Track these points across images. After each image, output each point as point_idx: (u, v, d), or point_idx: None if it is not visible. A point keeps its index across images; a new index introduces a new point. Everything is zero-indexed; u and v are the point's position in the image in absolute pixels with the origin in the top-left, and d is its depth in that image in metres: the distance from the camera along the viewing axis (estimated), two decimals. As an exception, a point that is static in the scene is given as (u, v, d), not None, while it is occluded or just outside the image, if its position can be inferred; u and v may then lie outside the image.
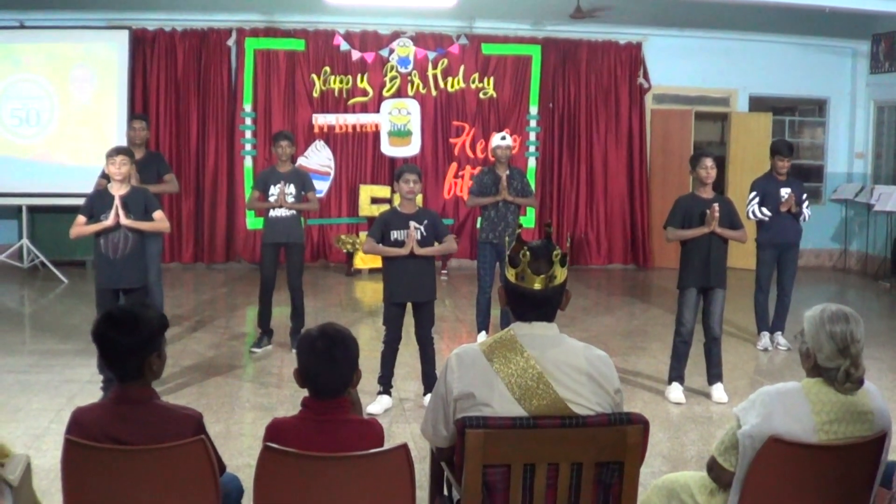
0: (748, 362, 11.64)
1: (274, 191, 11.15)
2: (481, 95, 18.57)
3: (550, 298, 4.44)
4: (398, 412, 9.12)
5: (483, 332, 11.80)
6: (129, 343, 4.47)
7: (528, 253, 4.37)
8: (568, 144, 18.88)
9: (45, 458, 7.34)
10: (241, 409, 9.15)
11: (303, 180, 11.45)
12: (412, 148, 18.32)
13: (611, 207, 19.01)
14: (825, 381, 4.54)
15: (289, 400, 9.25)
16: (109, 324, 4.54)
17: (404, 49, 18.27)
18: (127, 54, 16.89)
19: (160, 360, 4.60)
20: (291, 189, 11.20)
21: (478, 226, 12.52)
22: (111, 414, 4.43)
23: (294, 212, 11.26)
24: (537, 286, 4.38)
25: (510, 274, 4.44)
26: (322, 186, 17.52)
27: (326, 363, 4.46)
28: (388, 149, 18.29)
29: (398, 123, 18.27)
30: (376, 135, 18.29)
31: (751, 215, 11.90)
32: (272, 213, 11.25)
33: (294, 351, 10.73)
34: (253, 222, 17.39)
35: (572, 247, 18.60)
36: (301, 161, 17.44)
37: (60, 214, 15.61)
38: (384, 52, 18.23)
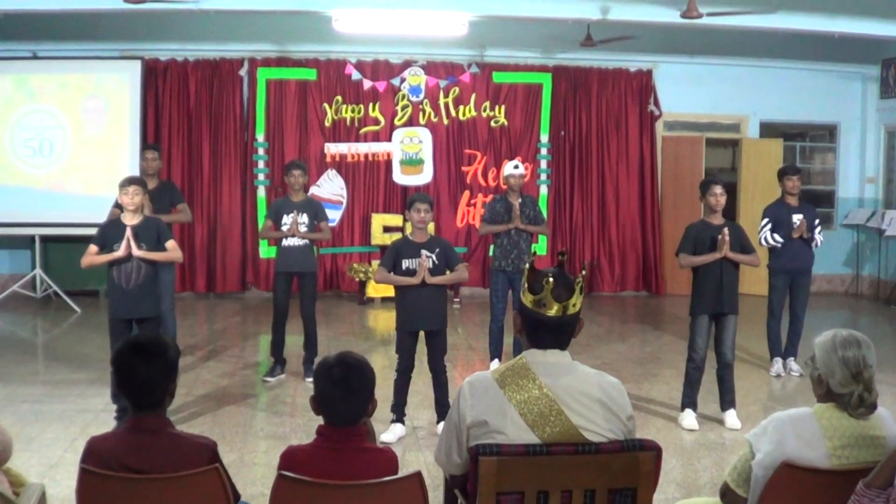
0: (761, 388, 11.63)
1: (287, 220, 11.17)
2: (493, 123, 18.60)
3: (567, 325, 4.46)
4: (411, 440, 9.12)
5: (496, 360, 11.78)
6: (153, 371, 4.49)
7: (551, 280, 4.38)
8: (579, 172, 18.90)
9: (59, 487, 7.35)
10: (255, 437, 9.16)
11: (315, 210, 11.47)
12: (424, 176, 18.35)
13: (622, 234, 19.03)
14: (837, 406, 4.54)
15: (302, 429, 9.25)
16: (134, 351, 4.55)
17: (416, 78, 18.33)
18: (139, 84, 16.95)
19: (175, 388, 4.64)
20: (304, 218, 11.21)
21: (490, 254, 12.52)
22: (126, 443, 4.45)
23: (307, 241, 11.28)
24: (554, 313, 4.39)
25: (528, 300, 4.44)
26: (334, 215, 17.53)
27: (342, 391, 4.46)
28: (400, 177, 18.32)
29: (410, 152, 18.31)
30: (388, 163, 18.33)
31: (763, 242, 11.90)
32: (285, 242, 11.26)
33: (307, 380, 10.86)
34: (266, 251, 17.42)
35: (591, 274, 18.68)
36: (313, 190, 17.46)
37: (73, 244, 15.63)
38: (395, 81, 18.28)
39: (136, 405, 4.53)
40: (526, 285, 4.47)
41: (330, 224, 12.22)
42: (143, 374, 4.48)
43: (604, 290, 18.94)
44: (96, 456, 4.39)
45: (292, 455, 4.49)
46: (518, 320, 4.54)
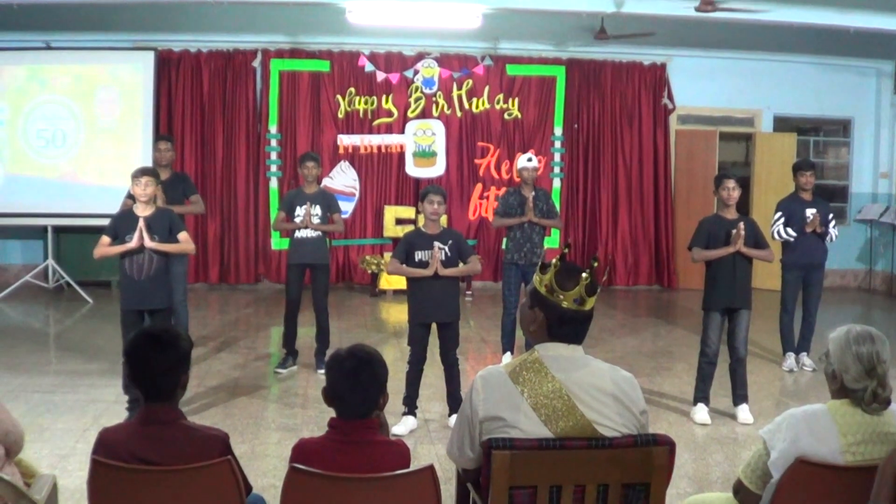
0: (773, 383, 11.59)
1: (300, 212, 11.16)
2: (506, 116, 18.60)
3: (590, 319, 4.45)
4: (423, 433, 9.10)
5: (508, 354, 11.78)
6: (165, 361, 4.48)
7: (585, 276, 4.35)
8: (592, 165, 18.90)
9: (71, 478, 7.35)
10: (267, 429, 9.14)
11: (328, 202, 11.45)
12: (437, 169, 18.35)
13: (635, 228, 19.01)
14: (852, 402, 4.52)
15: (313, 421, 9.25)
16: (147, 342, 4.55)
17: (429, 70, 18.32)
18: (152, 75, 17.00)
19: (187, 378, 4.63)
20: (317, 210, 11.20)
21: (503, 247, 12.51)
22: (138, 434, 4.44)
23: (319, 233, 11.27)
24: (572, 306, 4.36)
25: (558, 298, 4.38)
26: (347, 207, 17.54)
27: (353, 384, 4.46)
28: (412, 170, 18.33)
29: (423, 144, 18.31)
30: (401, 156, 18.34)
31: (776, 236, 11.86)
32: (298, 234, 11.26)
33: (319, 372, 10.86)
34: (278, 243, 17.45)
35: (600, 268, 18.64)
36: (326, 182, 17.48)
37: (86, 235, 15.66)
38: (409, 73, 18.29)
39: (148, 396, 4.52)
40: (554, 282, 4.41)
41: (342, 216, 12.18)
42: (155, 366, 4.48)
43: (616, 283, 18.93)
44: (107, 447, 4.39)
45: (304, 447, 4.48)
46: (539, 317, 4.47)
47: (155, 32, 17.35)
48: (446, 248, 9.00)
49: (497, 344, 12.32)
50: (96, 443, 4.45)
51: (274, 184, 18.04)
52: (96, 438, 4.49)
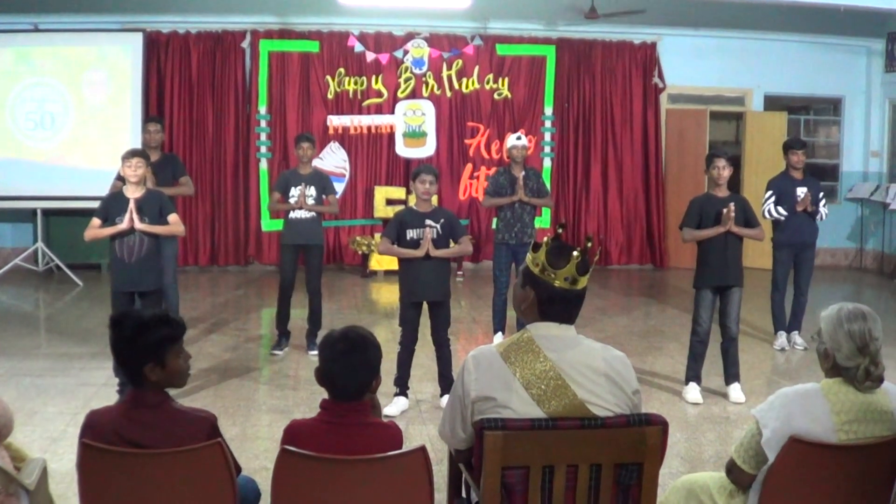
0: (765, 362, 11.60)
1: (294, 192, 11.14)
2: (496, 96, 18.56)
3: (582, 298, 4.43)
4: (415, 414, 9.10)
5: (499, 334, 11.78)
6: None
7: (576, 254, 4.33)
8: (583, 145, 18.87)
9: (62, 461, 7.33)
10: (258, 411, 9.13)
11: (323, 183, 11.42)
12: (427, 149, 18.32)
13: (626, 207, 19.00)
14: (844, 380, 4.51)
15: (305, 402, 9.24)
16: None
17: (419, 50, 18.27)
18: (141, 57, 16.90)
19: (162, 370, 4.49)
20: (312, 191, 11.17)
21: (493, 227, 12.48)
22: (126, 417, 4.43)
23: (314, 214, 11.25)
24: (579, 286, 4.35)
25: (550, 277, 4.36)
26: (337, 188, 17.46)
27: (345, 366, 4.44)
28: (402, 150, 18.29)
29: (413, 125, 18.27)
30: (391, 136, 18.29)
31: (766, 214, 11.85)
32: (292, 214, 11.23)
33: (310, 353, 10.83)
34: (268, 224, 17.42)
35: (594, 247, 18.61)
36: (316, 163, 17.35)
37: (75, 217, 15.65)
38: (398, 54, 18.24)
39: (129, 380, 4.52)
40: (545, 260, 4.39)
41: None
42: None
43: (607, 263, 18.92)
44: (94, 429, 4.37)
45: (295, 429, 4.47)
46: (531, 296, 4.45)
47: (143, 13, 17.29)
48: (438, 227, 8.98)
49: (488, 324, 12.31)
50: (84, 425, 4.44)
51: (264, 165, 17.98)
52: (84, 421, 4.48)
